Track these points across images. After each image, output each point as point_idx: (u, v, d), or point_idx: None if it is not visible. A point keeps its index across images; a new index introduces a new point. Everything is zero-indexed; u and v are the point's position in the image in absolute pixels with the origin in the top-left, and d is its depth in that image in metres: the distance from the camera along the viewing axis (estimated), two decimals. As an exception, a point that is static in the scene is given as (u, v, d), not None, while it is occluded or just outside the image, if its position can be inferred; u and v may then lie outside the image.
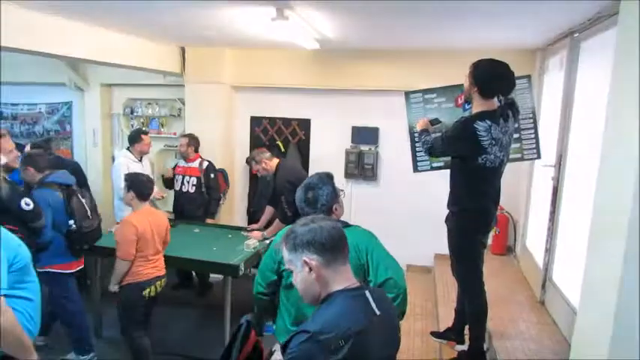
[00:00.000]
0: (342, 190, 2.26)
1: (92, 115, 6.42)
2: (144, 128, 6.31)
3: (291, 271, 1.53)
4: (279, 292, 2.21)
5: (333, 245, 1.48)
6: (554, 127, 3.68)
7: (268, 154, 4.34)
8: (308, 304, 1.58)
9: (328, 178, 2.23)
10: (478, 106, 2.72)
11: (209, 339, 4.10)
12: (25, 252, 1.84)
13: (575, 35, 3.43)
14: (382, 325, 1.50)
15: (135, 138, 4.82)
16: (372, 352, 1.45)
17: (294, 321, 2.14)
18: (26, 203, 3.07)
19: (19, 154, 3.40)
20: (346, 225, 2.17)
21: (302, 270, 1.47)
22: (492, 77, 2.69)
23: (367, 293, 1.51)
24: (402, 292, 2.05)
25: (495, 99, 2.72)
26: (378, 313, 1.49)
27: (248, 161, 5.72)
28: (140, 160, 4.83)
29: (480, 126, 2.61)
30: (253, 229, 4.51)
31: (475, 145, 2.63)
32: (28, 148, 4.72)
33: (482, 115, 2.65)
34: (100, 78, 6.29)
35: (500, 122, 2.66)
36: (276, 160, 4.33)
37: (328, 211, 2.18)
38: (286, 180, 4.17)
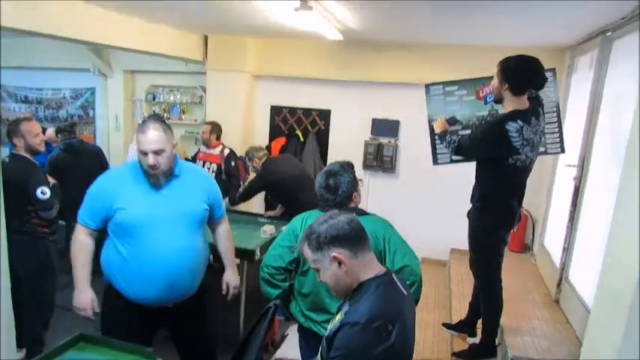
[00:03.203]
0: (360, 180, 2.28)
1: (115, 100, 6.53)
2: (165, 114, 6.40)
3: (317, 270, 1.55)
4: (294, 278, 2.25)
5: (357, 236, 1.52)
6: (579, 128, 3.62)
7: (262, 154, 4.48)
8: (337, 297, 1.61)
9: (349, 166, 2.25)
10: (509, 104, 2.62)
11: (223, 322, 4.16)
12: None
13: (608, 34, 3.32)
14: (410, 306, 1.58)
15: None
16: (410, 332, 1.52)
17: (311, 307, 2.19)
18: (42, 192, 3.12)
19: (45, 137, 3.47)
20: (364, 213, 2.20)
21: (330, 266, 1.50)
22: (524, 72, 2.59)
23: (394, 277, 1.57)
24: (417, 279, 2.09)
25: (526, 96, 2.64)
26: (405, 294, 1.56)
27: (267, 149, 5.77)
28: None
29: (512, 127, 2.52)
30: (270, 217, 4.58)
31: (506, 146, 2.55)
32: (50, 131, 4.83)
33: (513, 115, 2.56)
34: (123, 64, 6.38)
35: (531, 121, 2.58)
36: (264, 159, 4.48)
37: (348, 198, 2.20)
38: (257, 178, 4.45)
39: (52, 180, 3.35)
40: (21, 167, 3.13)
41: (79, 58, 6.23)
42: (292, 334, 3.88)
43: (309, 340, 2.19)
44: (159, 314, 2.30)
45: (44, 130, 4.12)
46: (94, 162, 4.63)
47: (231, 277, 2.57)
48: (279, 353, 3.60)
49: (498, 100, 2.71)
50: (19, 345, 3.24)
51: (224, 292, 2.56)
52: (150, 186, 2.22)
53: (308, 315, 2.19)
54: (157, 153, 2.12)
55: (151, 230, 2.18)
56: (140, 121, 5.13)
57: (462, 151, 2.81)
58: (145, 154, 2.13)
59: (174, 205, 2.22)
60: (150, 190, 2.22)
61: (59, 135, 4.62)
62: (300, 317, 2.23)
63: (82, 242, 2.27)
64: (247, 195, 4.47)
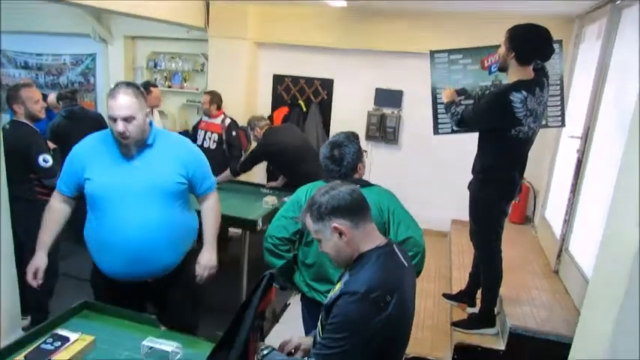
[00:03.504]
0: (365, 151, 2.27)
1: (115, 67, 6.44)
2: (167, 82, 6.33)
3: (319, 240, 1.56)
4: (298, 249, 2.26)
5: (358, 207, 1.52)
6: (584, 99, 3.57)
7: (263, 123, 4.42)
8: (339, 267, 1.63)
9: (354, 136, 2.24)
10: (514, 74, 2.58)
11: (226, 290, 4.21)
12: None
13: (617, 2, 3.23)
14: (410, 277, 1.59)
15: (144, 90, 4.79)
16: (409, 303, 1.54)
17: (315, 277, 2.21)
18: (44, 160, 3.12)
19: (45, 104, 3.44)
20: (368, 184, 2.20)
21: (332, 237, 1.51)
22: (532, 42, 2.54)
23: (395, 248, 1.58)
24: (421, 250, 2.11)
25: (531, 67, 2.59)
26: (406, 265, 1.57)
27: (270, 119, 5.73)
28: (151, 114, 4.84)
29: (516, 97, 2.48)
30: (272, 187, 4.58)
31: (510, 117, 2.51)
32: (52, 97, 4.79)
33: (518, 86, 2.51)
34: (123, 30, 6.28)
35: (536, 92, 2.53)
36: (265, 128, 4.41)
37: (353, 169, 2.20)
38: (258, 147, 4.40)
39: (52, 145, 3.33)
40: (22, 134, 3.11)
41: (79, 23, 6.12)
42: (294, 304, 3.96)
43: (312, 309, 2.22)
44: (139, 289, 2.22)
45: (45, 97, 4.09)
46: (95, 129, 4.55)
47: (204, 257, 2.33)
48: (280, 322, 3.67)
49: (503, 69, 2.66)
50: (24, 312, 3.29)
51: (196, 273, 2.34)
52: (121, 156, 2.11)
53: (312, 285, 2.22)
54: (126, 120, 2.00)
55: (119, 202, 2.09)
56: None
57: (465, 122, 2.78)
58: (115, 120, 2.01)
59: (145, 177, 2.09)
60: (120, 161, 2.11)
61: (60, 102, 4.58)
62: (303, 287, 2.26)
63: (52, 207, 2.27)
64: (248, 165, 4.42)
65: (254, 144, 4.68)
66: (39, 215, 3.23)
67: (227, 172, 4.40)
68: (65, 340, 1.73)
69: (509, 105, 2.49)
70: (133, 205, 2.08)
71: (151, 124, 2.16)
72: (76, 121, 4.43)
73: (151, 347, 1.74)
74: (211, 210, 2.37)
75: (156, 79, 6.32)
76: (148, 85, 4.87)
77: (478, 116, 2.71)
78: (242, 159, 4.52)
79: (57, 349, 1.68)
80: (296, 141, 4.46)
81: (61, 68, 6.78)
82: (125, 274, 2.16)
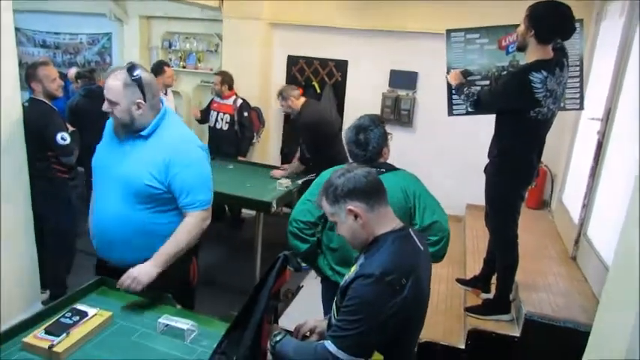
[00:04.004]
0: (390, 134, 2.23)
1: (131, 47, 6.44)
2: (181, 63, 6.32)
3: (335, 222, 1.55)
4: (322, 233, 2.26)
5: (374, 190, 1.51)
6: (606, 79, 3.48)
7: (297, 93, 4.32)
8: (354, 249, 1.62)
9: (379, 120, 2.21)
10: (533, 53, 2.50)
11: (240, 271, 4.26)
12: None
13: (642, -23, 3.14)
14: (426, 260, 1.58)
15: (157, 70, 4.78)
16: (425, 286, 1.53)
17: (339, 261, 2.21)
18: (62, 138, 3.14)
19: (62, 82, 3.46)
20: (394, 168, 2.18)
21: (347, 219, 1.51)
22: (552, 19, 2.45)
23: (411, 231, 1.57)
24: (446, 235, 2.10)
25: (551, 46, 2.51)
26: (422, 248, 1.56)
27: (277, 95, 5.70)
28: (165, 94, 4.84)
29: (536, 77, 2.41)
30: (283, 169, 4.56)
31: (529, 98, 2.44)
32: (72, 71, 4.82)
33: (537, 65, 2.44)
34: (139, 10, 6.26)
35: (555, 72, 2.46)
36: (302, 100, 4.29)
37: (378, 153, 2.17)
38: (306, 121, 4.21)
39: (70, 127, 3.36)
40: (40, 112, 3.14)
41: (96, 2, 6.15)
42: (307, 286, 3.98)
43: (333, 293, 2.22)
44: (114, 274, 2.06)
45: (62, 75, 4.11)
46: None
47: (138, 268, 1.94)
48: (293, 304, 3.70)
49: (522, 48, 2.58)
50: (43, 286, 3.37)
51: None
52: (116, 138, 2.08)
53: (336, 269, 2.22)
54: (111, 102, 1.97)
55: (99, 182, 2.11)
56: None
57: (482, 104, 2.70)
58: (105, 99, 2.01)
59: (123, 166, 2.01)
60: (115, 143, 2.08)
61: (79, 80, 4.62)
62: (327, 271, 2.25)
63: None
64: (311, 147, 4.18)
65: (275, 123, 4.63)
66: (57, 192, 3.29)
67: (296, 163, 4.30)
68: (84, 314, 1.75)
69: (529, 85, 2.43)
70: (106, 188, 2.06)
71: (163, 116, 2.06)
72: (95, 99, 4.41)
73: (167, 325, 1.76)
74: (180, 227, 2.05)
75: (170, 59, 6.31)
76: (161, 65, 4.88)
77: (496, 97, 2.64)
78: (302, 146, 4.27)
79: (76, 323, 1.71)
80: (331, 117, 4.42)
81: (77, 47, 6.80)
82: (101, 255, 2.18)
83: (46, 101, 3.21)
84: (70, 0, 6.22)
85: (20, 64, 2.97)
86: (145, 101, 1.97)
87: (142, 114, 1.99)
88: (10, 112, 2.92)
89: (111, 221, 2.04)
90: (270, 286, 1.49)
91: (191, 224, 2.06)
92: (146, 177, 1.97)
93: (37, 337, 1.63)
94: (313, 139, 4.20)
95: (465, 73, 2.93)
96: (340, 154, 3.59)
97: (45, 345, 1.59)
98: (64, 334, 1.64)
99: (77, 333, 1.67)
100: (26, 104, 3.13)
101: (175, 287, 2.05)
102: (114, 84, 1.95)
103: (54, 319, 1.73)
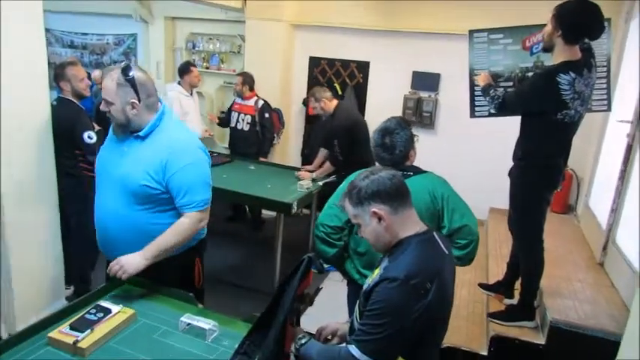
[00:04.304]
0: (416, 136, 2.21)
1: (156, 47, 6.53)
2: (205, 64, 6.38)
3: (358, 225, 1.54)
4: (349, 237, 2.24)
5: (398, 192, 1.49)
6: (636, 80, 3.38)
7: (329, 94, 4.31)
8: (377, 252, 1.61)
9: (405, 122, 2.18)
10: (560, 54, 2.44)
11: (259, 271, 4.27)
12: None
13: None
14: (450, 264, 1.56)
15: (184, 70, 4.84)
16: (449, 291, 1.51)
17: (367, 265, 2.19)
18: (89, 136, 3.19)
19: (90, 82, 3.52)
20: (421, 171, 2.15)
21: (371, 222, 1.49)
22: (580, 19, 2.39)
23: (435, 235, 1.55)
24: (475, 239, 2.08)
25: (578, 47, 2.45)
26: (446, 252, 1.54)
27: (305, 102, 5.71)
28: (191, 95, 4.89)
29: (563, 79, 2.35)
30: (309, 171, 4.56)
31: (556, 100, 2.39)
32: (96, 73, 4.90)
33: (565, 67, 2.38)
34: (164, 11, 6.34)
35: (584, 73, 2.41)
36: (335, 102, 4.29)
37: (404, 157, 2.15)
38: (342, 124, 4.17)
39: (96, 126, 3.43)
40: (69, 111, 3.20)
41: (122, 3, 6.24)
42: (326, 287, 3.97)
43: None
44: None
45: (89, 76, 4.18)
46: None
47: (127, 257, 1.97)
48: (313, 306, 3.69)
49: (548, 49, 2.52)
50: (68, 282, 3.43)
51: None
52: (117, 137, 2.10)
53: (363, 273, 2.20)
54: (107, 102, 1.99)
55: (101, 182, 2.14)
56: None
57: (507, 106, 2.65)
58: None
59: (121, 167, 2.02)
60: (115, 142, 2.10)
61: None
62: (355, 275, 2.24)
63: None
64: (345, 149, 4.15)
65: (296, 124, 4.63)
66: (83, 189, 3.35)
67: (327, 165, 4.28)
68: (108, 311, 1.77)
69: (556, 87, 2.38)
70: (107, 189, 2.09)
71: (161, 116, 2.05)
72: None
73: (189, 324, 1.77)
74: (173, 228, 2.04)
75: (194, 60, 6.38)
76: (188, 65, 4.93)
77: (522, 99, 2.59)
78: (336, 148, 4.21)
79: (100, 319, 1.73)
80: (362, 118, 4.42)
81: (104, 48, 6.92)
82: (106, 254, 2.20)
83: (74, 100, 3.27)
84: (98, 1, 6.32)
85: (49, 64, 3.03)
86: (139, 101, 1.97)
87: (137, 114, 1.99)
88: (39, 110, 2.99)
89: (112, 221, 2.07)
90: (295, 288, 1.48)
91: (185, 224, 2.05)
92: (143, 177, 1.98)
93: (62, 333, 1.66)
94: (350, 141, 4.16)
95: (495, 76, 2.88)
96: (370, 155, 3.57)
97: (70, 340, 1.61)
98: (89, 330, 1.66)
99: (101, 329, 1.69)
100: (55, 103, 3.20)
101: (180, 289, 2.05)
102: (108, 84, 1.96)
103: (79, 315, 1.75)
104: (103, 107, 2.01)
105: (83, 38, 6.99)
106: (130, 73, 1.95)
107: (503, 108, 2.68)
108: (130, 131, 2.04)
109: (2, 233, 2.88)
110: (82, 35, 6.97)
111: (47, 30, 2.94)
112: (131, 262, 1.95)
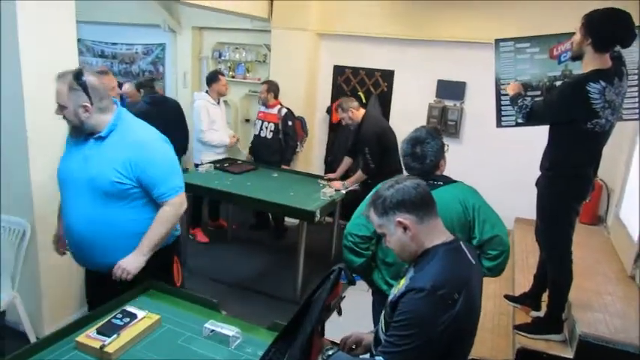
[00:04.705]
0: (447, 145, 2.20)
1: (183, 57, 6.66)
2: (231, 73, 6.47)
3: (383, 234, 1.54)
4: (377, 248, 2.24)
5: (423, 202, 1.48)
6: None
7: (356, 104, 4.32)
8: (403, 262, 1.60)
9: (436, 132, 2.17)
10: (590, 63, 2.39)
11: (282, 279, 4.28)
12: None
13: None
14: (478, 274, 1.54)
15: (212, 78, 4.89)
16: (477, 301, 1.49)
17: (394, 275, 2.17)
18: None
19: (120, 91, 3.60)
20: (451, 181, 2.14)
21: (396, 231, 1.49)
22: (610, 27, 2.34)
23: (462, 244, 1.53)
24: (506, 249, 2.05)
25: (609, 55, 2.40)
26: (473, 262, 1.52)
27: (329, 110, 5.73)
28: (218, 103, 4.96)
29: (593, 88, 2.31)
30: (330, 179, 4.57)
31: (585, 110, 2.34)
32: (127, 86, 5.02)
33: (595, 75, 2.33)
34: (192, 21, 6.46)
35: (614, 82, 2.36)
36: (362, 111, 4.30)
37: (435, 167, 2.14)
38: (373, 132, 4.17)
39: None
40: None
41: (151, 14, 6.37)
42: (350, 297, 3.94)
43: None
44: (101, 279, 2.18)
45: (120, 85, 4.29)
46: (175, 114, 4.85)
47: (126, 259, 2.09)
48: (334, 316, 3.67)
49: (577, 57, 2.48)
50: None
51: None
52: (76, 141, 2.13)
53: (391, 283, 2.18)
54: (60, 106, 2.03)
55: (65, 189, 2.16)
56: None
57: (535, 116, 2.60)
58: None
59: (87, 169, 2.06)
60: (76, 147, 2.13)
61: (142, 90, 4.81)
62: (382, 285, 2.22)
63: None
64: (376, 157, 4.13)
65: (320, 132, 4.65)
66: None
67: (359, 174, 4.25)
68: (133, 316, 1.80)
69: (586, 96, 2.33)
70: (72, 194, 2.12)
71: (118, 116, 2.11)
72: (158, 106, 4.67)
73: (213, 330, 1.79)
74: (159, 217, 2.15)
75: (220, 69, 6.47)
76: (216, 74, 5.00)
77: (551, 109, 2.53)
78: (367, 156, 4.16)
79: (126, 324, 1.76)
80: (390, 126, 4.43)
81: (133, 57, 7.08)
82: (85, 264, 2.25)
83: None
84: (129, 12, 6.48)
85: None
86: (91, 104, 2.03)
87: (90, 116, 2.04)
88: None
89: (87, 226, 2.09)
90: (324, 299, 1.48)
91: (168, 212, 2.15)
92: (112, 174, 2.03)
93: (89, 337, 1.70)
94: (380, 149, 4.15)
95: (526, 86, 2.85)
96: (399, 163, 3.56)
97: (96, 345, 1.65)
98: (115, 335, 1.69)
99: (127, 334, 1.72)
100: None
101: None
102: (61, 88, 2.01)
103: (105, 320, 1.79)
104: (56, 111, 2.05)
105: (113, 48, 7.16)
106: (82, 78, 2.00)
107: (531, 118, 2.63)
108: (85, 134, 2.08)
109: (33, 238, 2.96)
110: (112, 45, 7.15)
111: (79, 40, 3.02)
112: (131, 262, 2.08)
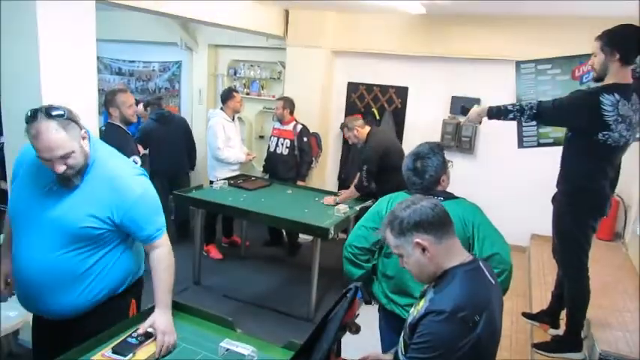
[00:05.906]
0: (450, 161, 2.20)
1: (199, 74, 6.75)
2: (245, 90, 6.55)
3: (400, 255, 1.52)
4: (377, 260, 2.24)
5: (441, 222, 1.47)
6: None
7: (361, 122, 4.34)
8: (421, 283, 1.58)
9: (438, 148, 2.17)
10: (610, 78, 2.40)
11: (295, 296, 4.26)
12: None
13: None
14: (497, 295, 1.52)
15: (227, 95, 4.94)
16: (498, 323, 1.46)
17: (394, 289, 2.17)
18: (134, 161, 3.30)
19: (137, 108, 3.68)
20: (452, 197, 2.13)
21: (414, 252, 1.47)
22: (635, 37, 2.35)
23: (481, 264, 1.51)
24: (507, 268, 2.01)
25: (630, 70, 2.40)
26: (493, 282, 1.50)
27: (342, 127, 5.76)
28: (232, 120, 5.01)
29: (607, 99, 2.31)
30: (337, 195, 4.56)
31: (595, 119, 2.35)
32: (140, 107, 5.12)
33: (611, 88, 2.35)
34: (208, 39, 6.56)
35: (632, 98, 2.36)
36: (367, 129, 4.31)
37: (435, 182, 2.14)
38: (373, 150, 4.17)
39: (141, 150, 3.57)
40: (117, 136, 3.35)
41: (168, 32, 6.48)
42: (363, 314, 3.91)
43: (390, 321, 2.19)
44: (53, 326, 1.93)
45: (137, 102, 4.38)
46: (182, 131, 5.01)
47: (161, 321, 1.84)
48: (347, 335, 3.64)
49: (600, 78, 2.47)
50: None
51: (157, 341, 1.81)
52: (53, 181, 1.79)
53: (391, 297, 2.18)
54: (64, 158, 1.70)
55: (23, 228, 1.83)
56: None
57: (541, 115, 2.56)
58: (49, 160, 1.70)
59: (54, 209, 1.78)
60: (40, 184, 1.82)
61: (149, 108, 4.92)
62: (382, 299, 2.22)
63: None
64: (372, 173, 4.12)
65: (334, 148, 4.66)
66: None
67: (352, 190, 4.26)
68: (149, 335, 1.81)
69: (597, 107, 2.33)
70: (31, 235, 1.81)
71: (93, 145, 1.85)
72: (166, 123, 4.78)
73: (228, 349, 1.78)
74: (159, 263, 1.94)
75: (235, 86, 6.55)
76: (231, 91, 5.07)
77: (558, 111, 2.50)
78: (363, 173, 4.15)
79: (141, 343, 1.76)
80: (397, 144, 4.43)
81: (150, 74, 7.19)
82: (34, 309, 1.96)
83: (122, 126, 3.42)
84: (146, 30, 6.60)
85: (98, 91, 3.18)
86: (82, 128, 1.78)
87: (87, 143, 1.81)
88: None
89: (38, 268, 1.80)
90: (341, 318, 1.48)
91: (165, 254, 1.97)
92: (85, 220, 1.78)
93: (104, 356, 1.69)
94: (378, 168, 4.14)
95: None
96: (402, 183, 3.54)
97: (112, 363, 1.65)
98: (130, 354, 1.70)
99: (142, 353, 1.72)
100: (103, 128, 3.35)
101: None
102: (56, 137, 1.67)
103: (121, 339, 1.79)
104: (61, 169, 1.71)
105: (130, 65, 7.29)
106: (59, 111, 1.70)
107: (537, 117, 2.60)
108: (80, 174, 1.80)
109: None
110: (130, 62, 7.28)
111: (97, 57, 3.08)
112: (166, 324, 1.85)
